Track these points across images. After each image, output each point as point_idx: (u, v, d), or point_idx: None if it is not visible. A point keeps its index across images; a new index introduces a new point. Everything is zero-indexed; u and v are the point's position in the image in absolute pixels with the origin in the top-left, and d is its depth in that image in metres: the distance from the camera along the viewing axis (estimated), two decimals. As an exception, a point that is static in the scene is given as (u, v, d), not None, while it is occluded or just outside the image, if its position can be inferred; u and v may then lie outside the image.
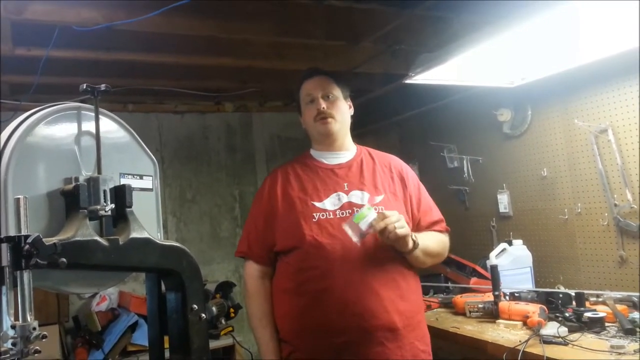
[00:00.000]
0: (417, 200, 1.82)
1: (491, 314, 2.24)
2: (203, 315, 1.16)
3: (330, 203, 1.71)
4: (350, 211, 1.67)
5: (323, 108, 1.76)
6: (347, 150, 1.85)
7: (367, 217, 1.55)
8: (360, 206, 1.65)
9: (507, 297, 2.33)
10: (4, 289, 0.88)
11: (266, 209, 1.77)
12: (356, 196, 1.73)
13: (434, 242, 1.77)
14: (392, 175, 1.83)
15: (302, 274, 1.66)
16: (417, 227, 1.77)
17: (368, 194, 1.73)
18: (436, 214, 1.86)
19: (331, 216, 1.69)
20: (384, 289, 1.63)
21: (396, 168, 1.86)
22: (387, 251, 1.65)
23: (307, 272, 1.65)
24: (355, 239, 1.56)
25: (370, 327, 1.60)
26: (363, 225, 1.54)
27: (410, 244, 1.63)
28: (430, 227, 1.81)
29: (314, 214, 1.69)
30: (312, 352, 1.65)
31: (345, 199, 1.72)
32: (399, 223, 1.56)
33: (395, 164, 1.87)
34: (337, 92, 1.81)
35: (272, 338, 1.73)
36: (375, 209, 1.61)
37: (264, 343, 1.73)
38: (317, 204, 1.71)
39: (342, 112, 1.81)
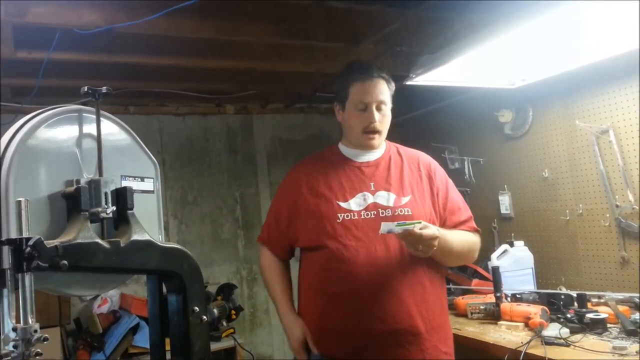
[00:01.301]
0: (444, 199, 1.77)
1: (493, 315, 2.23)
2: (204, 317, 1.16)
3: (355, 203, 1.68)
4: (375, 212, 1.66)
5: (376, 124, 1.70)
6: (377, 149, 1.80)
7: (408, 227, 1.50)
8: (386, 208, 1.66)
9: (509, 299, 2.33)
10: (5, 291, 0.88)
11: (290, 203, 1.77)
12: (382, 197, 1.70)
13: (458, 242, 1.70)
14: (420, 173, 1.78)
15: (325, 274, 1.66)
16: (442, 226, 1.71)
17: (394, 195, 1.70)
18: (465, 213, 1.79)
19: (355, 217, 1.66)
20: (408, 293, 1.61)
21: (424, 166, 1.81)
22: (411, 254, 1.63)
23: (329, 274, 1.65)
24: (380, 232, 1.53)
25: (392, 331, 1.59)
26: (397, 229, 1.50)
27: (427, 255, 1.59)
28: (456, 226, 1.75)
29: (339, 215, 1.66)
30: (332, 351, 1.65)
31: (370, 199, 1.69)
32: (427, 250, 1.54)
33: (423, 162, 1.82)
34: (388, 97, 1.73)
35: (293, 311, 1.79)
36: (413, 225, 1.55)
37: (287, 314, 1.78)
38: (342, 204, 1.68)
39: (388, 123, 1.76)
